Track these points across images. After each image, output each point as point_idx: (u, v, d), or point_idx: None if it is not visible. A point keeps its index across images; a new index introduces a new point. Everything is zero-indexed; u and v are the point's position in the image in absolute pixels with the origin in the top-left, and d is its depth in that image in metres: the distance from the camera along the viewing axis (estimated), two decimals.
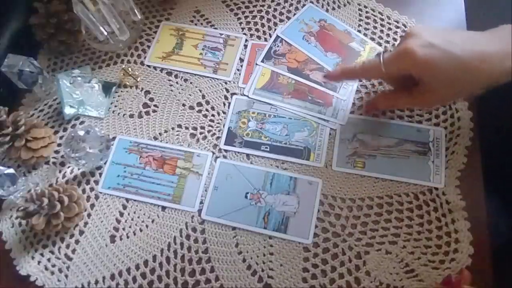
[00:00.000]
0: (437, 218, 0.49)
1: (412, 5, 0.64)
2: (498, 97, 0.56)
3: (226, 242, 0.49)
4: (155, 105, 0.58)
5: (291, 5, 0.65)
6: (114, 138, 0.56)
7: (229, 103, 0.57)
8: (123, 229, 0.51)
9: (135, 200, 0.52)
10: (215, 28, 0.64)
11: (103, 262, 0.49)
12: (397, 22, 0.62)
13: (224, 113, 0.57)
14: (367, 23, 0.63)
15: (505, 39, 0.44)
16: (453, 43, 0.44)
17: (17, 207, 0.49)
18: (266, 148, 0.54)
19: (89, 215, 0.52)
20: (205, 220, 0.50)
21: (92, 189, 0.53)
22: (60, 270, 0.49)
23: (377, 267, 0.47)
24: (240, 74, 0.59)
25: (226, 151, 0.54)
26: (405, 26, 0.62)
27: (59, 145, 0.56)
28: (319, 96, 0.57)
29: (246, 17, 0.64)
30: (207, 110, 0.57)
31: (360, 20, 0.63)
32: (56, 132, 0.57)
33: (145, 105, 0.58)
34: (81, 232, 0.51)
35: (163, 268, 0.48)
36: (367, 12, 0.64)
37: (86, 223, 0.51)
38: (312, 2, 0.65)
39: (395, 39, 0.61)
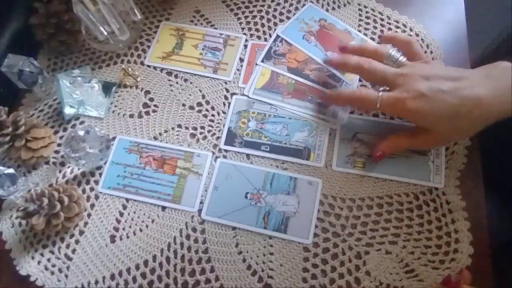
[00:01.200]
0: (437, 218, 0.49)
1: (412, 5, 0.64)
2: None
3: (226, 242, 0.49)
4: (155, 105, 0.58)
5: (291, 5, 0.65)
6: (114, 138, 0.56)
7: (229, 103, 0.57)
8: (123, 229, 0.51)
9: (135, 200, 0.52)
10: (215, 28, 0.64)
11: (103, 262, 0.49)
12: (397, 22, 0.62)
13: (224, 113, 0.57)
14: (367, 23, 0.63)
15: (502, 79, 0.44)
16: (445, 92, 0.45)
17: (17, 207, 0.49)
18: (266, 148, 0.54)
19: (89, 215, 0.52)
20: (205, 220, 0.50)
21: (92, 189, 0.53)
22: (60, 270, 0.49)
23: (377, 267, 0.47)
24: (240, 74, 0.59)
25: (226, 151, 0.54)
26: (405, 26, 0.62)
27: (59, 145, 0.56)
28: (319, 95, 0.57)
29: (246, 17, 0.64)
30: (207, 110, 0.57)
31: (360, 20, 0.63)
32: (56, 132, 0.57)
33: (145, 105, 0.58)
34: (81, 232, 0.51)
35: (163, 268, 0.48)
36: (367, 12, 0.64)
37: (86, 223, 0.51)
38: (312, 2, 0.65)
39: None
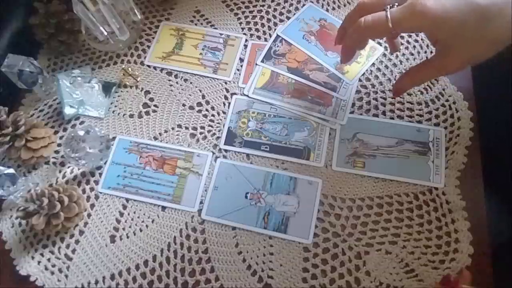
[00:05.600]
0: (437, 218, 0.49)
1: None
2: (498, 97, 0.56)
3: (226, 242, 0.49)
4: (155, 105, 0.58)
5: (291, 5, 0.65)
6: (114, 138, 0.56)
7: (229, 103, 0.57)
8: (123, 229, 0.51)
9: (135, 200, 0.52)
10: (215, 28, 0.64)
11: (103, 262, 0.49)
12: None
13: (224, 113, 0.57)
14: None
15: None
16: None
17: (17, 207, 0.49)
18: (266, 148, 0.54)
19: (89, 215, 0.52)
20: (205, 220, 0.50)
21: (92, 189, 0.53)
22: (60, 270, 0.49)
23: (377, 267, 0.47)
24: (240, 74, 0.59)
25: (226, 151, 0.54)
26: None
27: (59, 145, 0.56)
28: (319, 95, 0.57)
29: (246, 17, 0.64)
30: (207, 110, 0.57)
31: None
32: (56, 132, 0.57)
33: (145, 105, 0.58)
34: (81, 232, 0.51)
35: (163, 268, 0.48)
36: None
37: (86, 223, 0.51)
38: (312, 2, 0.65)
39: None
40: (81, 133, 0.51)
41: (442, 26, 0.40)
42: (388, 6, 0.43)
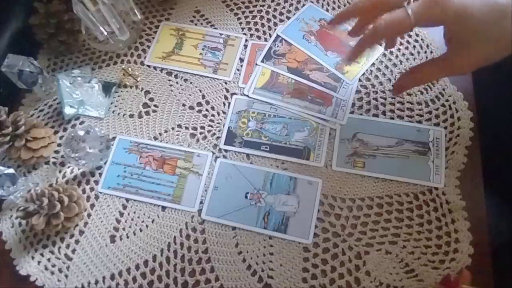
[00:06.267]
0: (437, 218, 0.49)
1: None
2: (498, 97, 0.56)
3: (226, 242, 0.49)
4: (155, 105, 0.58)
5: (291, 5, 0.65)
6: (114, 138, 0.56)
7: (229, 103, 0.57)
8: (123, 229, 0.51)
9: (135, 200, 0.52)
10: (215, 28, 0.64)
11: (103, 262, 0.49)
12: None
13: (224, 113, 0.57)
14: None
15: None
16: None
17: (17, 207, 0.49)
18: (266, 148, 0.54)
19: (89, 215, 0.52)
20: (205, 220, 0.50)
21: (92, 189, 0.53)
22: (60, 270, 0.49)
23: (377, 267, 0.47)
24: (240, 74, 0.59)
25: (226, 151, 0.54)
26: None
27: (59, 145, 0.56)
28: (319, 95, 0.57)
29: (246, 17, 0.64)
30: (207, 110, 0.57)
31: None
32: (56, 132, 0.57)
33: (145, 105, 0.58)
34: (81, 232, 0.51)
35: (163, 268, 0.48)
36: None
37: (86, 223, 0.51)
38: (312, 2, 0.65)
39: None
40: (81, 133, 0.51)
41: (462, 21, 0.40)
42: (406, 2, 0.43)
